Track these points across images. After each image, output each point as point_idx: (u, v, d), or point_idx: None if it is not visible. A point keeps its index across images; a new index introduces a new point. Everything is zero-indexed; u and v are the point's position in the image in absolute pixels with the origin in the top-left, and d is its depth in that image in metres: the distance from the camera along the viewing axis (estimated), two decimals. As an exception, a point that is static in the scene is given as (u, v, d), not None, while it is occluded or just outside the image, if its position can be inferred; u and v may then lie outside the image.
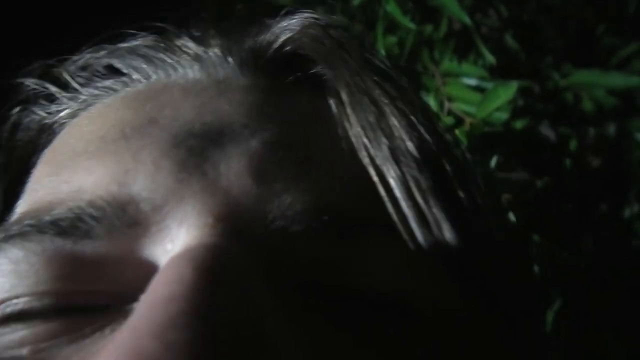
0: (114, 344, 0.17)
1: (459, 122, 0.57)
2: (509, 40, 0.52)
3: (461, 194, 0.24)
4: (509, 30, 0.53)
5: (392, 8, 0.46)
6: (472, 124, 0.52)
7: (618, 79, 0.55)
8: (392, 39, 0.58)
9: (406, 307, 0.21)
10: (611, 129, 0.56)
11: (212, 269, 0.18)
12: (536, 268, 0.50)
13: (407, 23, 0.46)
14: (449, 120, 0.56)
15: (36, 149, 0.29)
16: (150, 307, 0.18)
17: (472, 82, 0.54)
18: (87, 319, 0.20)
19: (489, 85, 0.54)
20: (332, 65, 0.27)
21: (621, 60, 0.59)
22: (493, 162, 0.51)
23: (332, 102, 0.26)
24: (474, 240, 0.23)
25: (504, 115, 0.52)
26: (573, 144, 0.53)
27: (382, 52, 0.52)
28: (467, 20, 0.46)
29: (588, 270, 0.51)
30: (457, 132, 0.54)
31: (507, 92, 0.44)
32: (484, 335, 0.22)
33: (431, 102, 0.57)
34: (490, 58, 0.51)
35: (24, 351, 0.19)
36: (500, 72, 0.55)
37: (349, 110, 0.25)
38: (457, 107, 0.54)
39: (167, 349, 0.16)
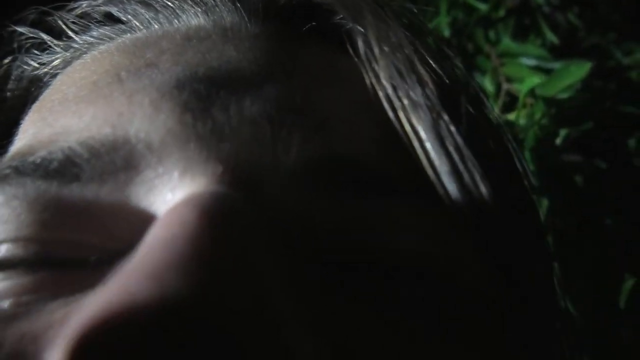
0: (103, 287, 0.16)
1: (515, 102, 0.56)
2: (571, 17, 0.51)
3: (496, 151, 0.22)
4: (571, 7, 0.52)
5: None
6: (534, 104, 0.51)
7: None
8: (445, 19, 0.57)
9: (427, 276, 0.19)
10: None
11: (217, 217, 0.16)
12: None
13: (477, 4, 0.45)
14: (505, 101, 0.55)
15: (27, 101, 0.27)
16: (146, 249, 0.16)
17: (531, 62, 0.54)
18: (75, 273, 0.18)
19: (549, 65, 0.53)
20: (354, 13, 0.24)
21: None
22: (558, 141, 0.51)
23: (355, 51, 0.24)
24: (506, 201, 0.21)
25: (566, 95, 0.51)
26: (637, 123, 0.53)
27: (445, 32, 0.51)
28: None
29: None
30: (515, 114, 0.54)
31: (580, 70, 0.43)
32: (505, 312, 0.20)
33: (487, 83, 0.56)
34: (551, 37, 0.50)
35: (5, 304, 0.17)
36: (558, 51, 0.55)
37: (375, 57, 0.23)
38: (517, 88, 0.53)
39: (161, 292, 0.14)
